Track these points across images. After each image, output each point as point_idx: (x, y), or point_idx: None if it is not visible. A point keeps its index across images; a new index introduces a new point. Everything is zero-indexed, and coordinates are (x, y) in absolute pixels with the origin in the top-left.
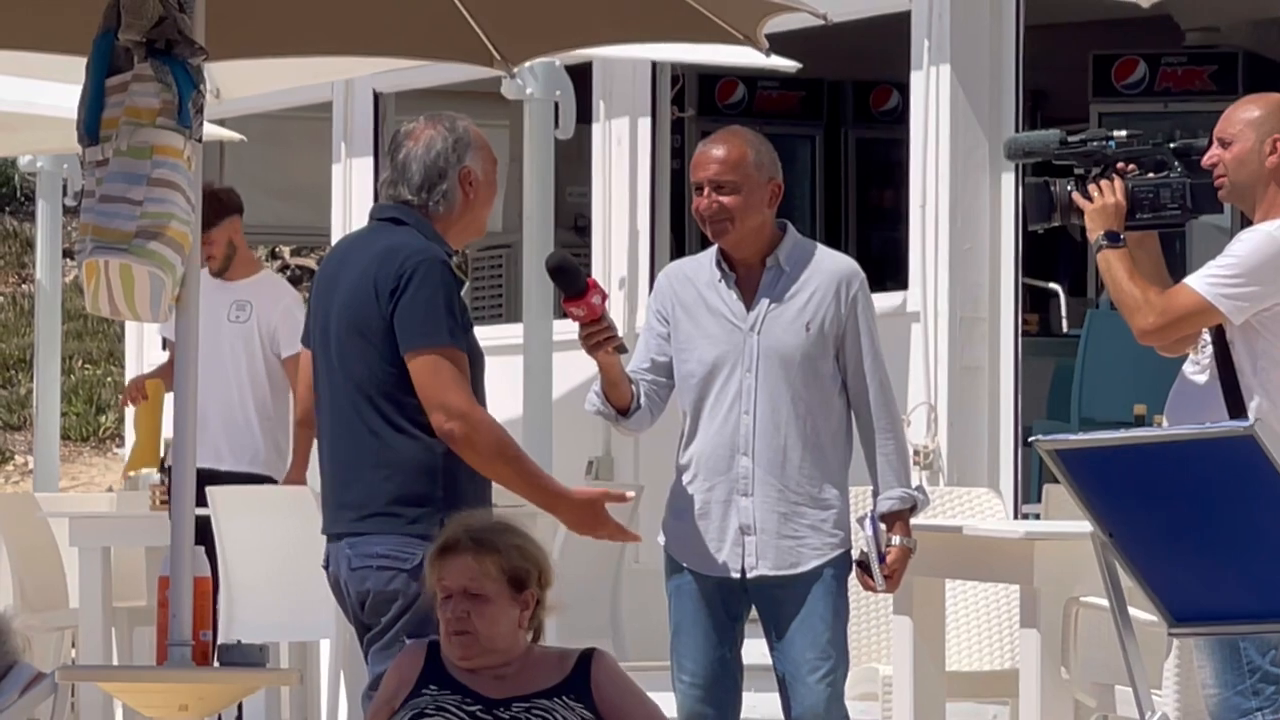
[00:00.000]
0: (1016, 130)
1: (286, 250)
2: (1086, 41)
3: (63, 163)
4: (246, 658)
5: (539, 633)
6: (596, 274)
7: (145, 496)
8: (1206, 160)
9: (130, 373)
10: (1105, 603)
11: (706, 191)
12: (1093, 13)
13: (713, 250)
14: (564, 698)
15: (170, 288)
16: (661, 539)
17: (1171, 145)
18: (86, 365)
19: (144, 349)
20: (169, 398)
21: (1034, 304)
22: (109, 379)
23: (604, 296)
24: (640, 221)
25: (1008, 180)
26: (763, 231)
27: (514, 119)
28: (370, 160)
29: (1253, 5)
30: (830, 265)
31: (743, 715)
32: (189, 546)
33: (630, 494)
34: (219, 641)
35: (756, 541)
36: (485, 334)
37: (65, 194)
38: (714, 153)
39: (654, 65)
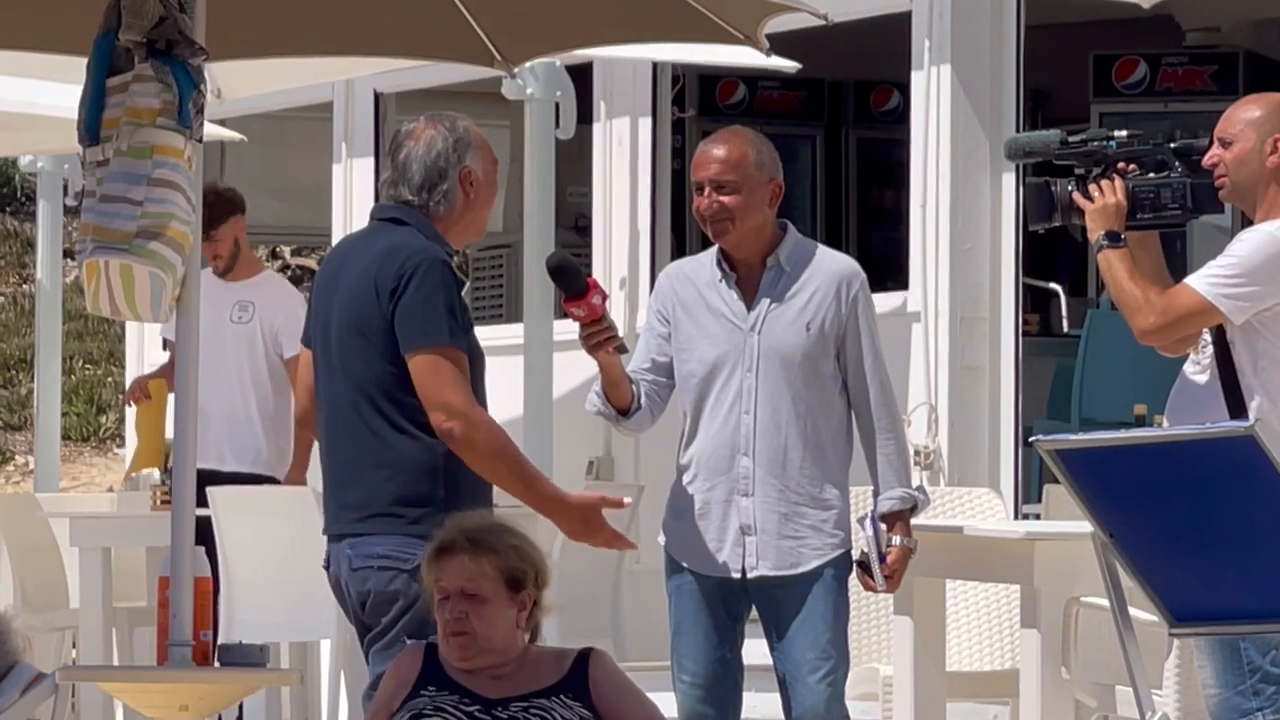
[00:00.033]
0: (1017, 130)
1: (287, 250)
2: (1087, 41)
3: (63, 163)
4: (247, 658)
5: (536, 633)
6: (597, 274)
7: (146, 497)
8: (1207, 160)
9: (131, 373)
10: (1105, 603)
11: (707, 191)
12: (1093, 13)
13: (713, 250)
14: (562, 697)
15: (171, 288)
16: (662, 539)
17: (1172, 145)
18: (87, 365)
19: (145, 349)
20: (171, 398)
21: (1034, 304)
22: (110, 379)
23: (604, 297)
24: (641, 221)
25: (1008, 180)
26: (763, 231)
27: (514, 119)
28: (371, 160)
29: (1253, 5)
30: (831, 265)
31: (743, 715)
32: (189, 547)
33: (628, 500)
34: (219, 642)
35: (757, 541)
36: (485, 334)
37: (66, 194)
38: (715, 152)
39: (654, 65)
